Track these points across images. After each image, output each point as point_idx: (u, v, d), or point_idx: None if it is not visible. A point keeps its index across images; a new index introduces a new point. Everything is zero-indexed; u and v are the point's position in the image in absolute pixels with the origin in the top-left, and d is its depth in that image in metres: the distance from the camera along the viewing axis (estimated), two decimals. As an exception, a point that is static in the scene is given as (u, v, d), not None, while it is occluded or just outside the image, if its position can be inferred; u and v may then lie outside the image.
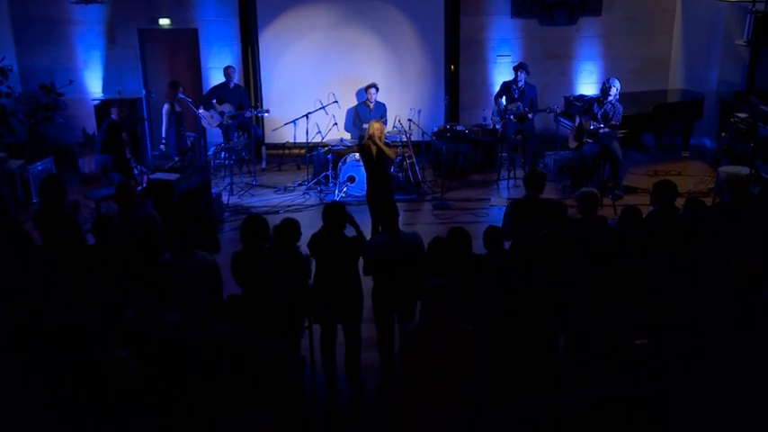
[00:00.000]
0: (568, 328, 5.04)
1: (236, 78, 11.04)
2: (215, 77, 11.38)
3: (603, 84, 9.34)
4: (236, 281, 5.25)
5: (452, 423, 4.16)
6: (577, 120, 9.53)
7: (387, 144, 8.14)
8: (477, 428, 4.26)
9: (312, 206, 9.59)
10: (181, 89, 10.20)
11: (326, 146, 10.31)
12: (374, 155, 7.64)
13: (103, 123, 9.39)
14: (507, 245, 5.69)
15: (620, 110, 9.18)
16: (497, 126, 10.54)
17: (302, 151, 11.11)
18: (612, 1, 11.55)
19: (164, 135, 10.29)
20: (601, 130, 9.14)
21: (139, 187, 7.83)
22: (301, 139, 10.60)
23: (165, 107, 10.31)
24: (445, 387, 4.17)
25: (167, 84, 10.55)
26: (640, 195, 9.31)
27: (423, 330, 4.25)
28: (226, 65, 10.90)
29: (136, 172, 9.20)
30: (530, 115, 10.31)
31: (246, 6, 11.43)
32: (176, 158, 9.50)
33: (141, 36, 11.57)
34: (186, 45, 11.72)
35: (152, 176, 8.29)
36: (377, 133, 7.62)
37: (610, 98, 9.15)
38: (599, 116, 9.22)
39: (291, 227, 5.44)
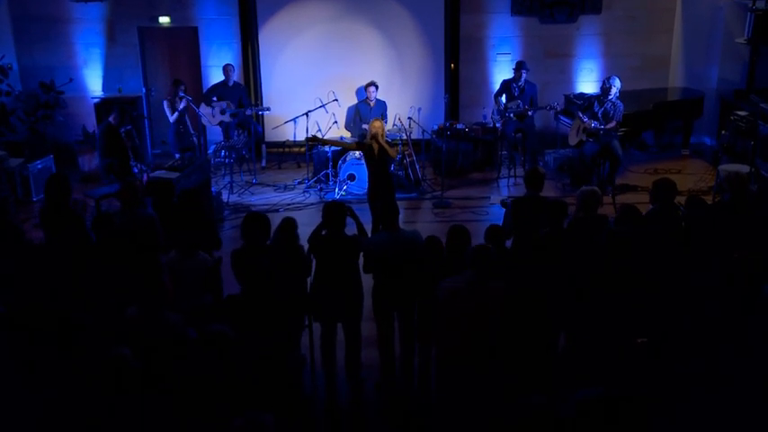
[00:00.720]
0: (568, 327, 5.04)
1: (236, 76, 11.03)
2: (215, 76, 11.37)
3: (603, 83, 9.31)
4: (236, 278, 5.25)
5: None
6: (583, 117, 9.44)
7: (388, 143, 8.14)
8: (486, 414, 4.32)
9: (312, 204, 9.59)
10: (182, 87, 10.19)
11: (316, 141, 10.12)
12: (376, 153, 7.64)
13: (100, 126, 9.38)
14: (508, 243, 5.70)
15: (621, 108, 9.17)
16: (497, 124, 10.53)
17: (302, 149, 11.11)
18: (613, -1, 11.57)
19: (172, 120, 10.29)
20: (601, 129, 9.12)
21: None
22: (301, 137, 10.59)
23: (164, 103, 10.32)
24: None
25: (171, 81, 10.59)
26: (640, 193, 9.30)
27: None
28: (225, 63, 10.90)
29: (136, 170, 9.19)
30: (530, 113, 10.30)
31: (246, 4, 11.42)
32: (176, 156, 9.49)
33: (141, 34, 11.57)
34: (186, 43, 11.71)
35: (152, 174, 8.29)
36: (379, 131, 7.62)
37: (610, 97, 9.14)
38: (599, 115, 9.21)
39: (291, 225, 5.45)
